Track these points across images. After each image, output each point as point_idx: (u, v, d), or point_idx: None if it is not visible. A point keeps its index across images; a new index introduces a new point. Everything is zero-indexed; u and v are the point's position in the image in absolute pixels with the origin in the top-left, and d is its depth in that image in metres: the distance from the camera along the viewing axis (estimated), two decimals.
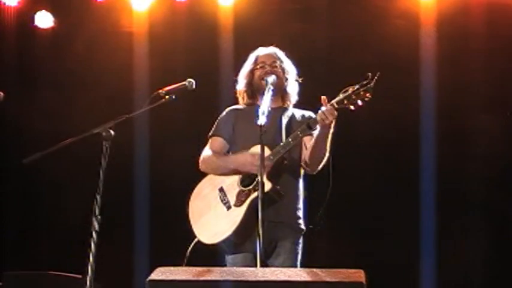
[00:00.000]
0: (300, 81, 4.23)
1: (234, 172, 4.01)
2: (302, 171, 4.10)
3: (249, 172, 3.92)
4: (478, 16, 5.63)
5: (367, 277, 3.02)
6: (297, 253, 4.01)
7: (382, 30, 5.81)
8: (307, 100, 4.26)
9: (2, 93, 3.87)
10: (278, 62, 4.17)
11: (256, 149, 3.70)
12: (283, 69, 4.17)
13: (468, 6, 5.67)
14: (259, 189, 3.55)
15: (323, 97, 3.83)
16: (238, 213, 3.91)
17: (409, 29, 5.73)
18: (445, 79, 5.60)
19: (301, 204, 4.07)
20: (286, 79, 4.18)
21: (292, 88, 4.20)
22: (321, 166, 4.00)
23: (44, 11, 6.17)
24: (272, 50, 4.23)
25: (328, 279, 2.98)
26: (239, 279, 3.01)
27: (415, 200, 5.55)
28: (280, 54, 4.22)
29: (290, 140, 3.91)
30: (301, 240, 4.05)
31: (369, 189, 5.72)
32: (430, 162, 5.57)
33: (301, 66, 4.31)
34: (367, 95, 3.78)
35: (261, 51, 4.23)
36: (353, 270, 3.05)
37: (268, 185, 3.82)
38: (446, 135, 5.64)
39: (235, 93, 4.28)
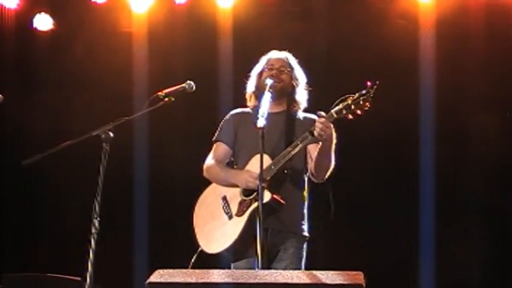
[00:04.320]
0: (310, 89, 4.22)
1: (235, 186, 4.02)
2: (306, 179, 4.10)
3: (247, 188, 3.93)
4: (476, 17, 5.63)
5: (366, 279, 3.02)
6: (301, 258, 4.01)
7: (381, 32, 5.81)
8: (307, 101, 4.26)
9: (1, 96, 3.87)
10: (287, 67, 4.15)
11: (256, 160, 3.70)
12: (291, 76, 4.15)
13: (467, 7, 5.68)
14: (259, 197, 3.56)
15: (319, 113, 3.82)
16: (239, 224, 3.91)
17: (408, 30, 5.74)
18: (444, 80, 5.61)
19: (304, 212, 4.07)
20: (295, 86, 4.15)
21: (301, 96, 4.18)
22: (328, 174, 4.00)
23: (43, 13, 6.17)
24: (284, 55, 4.22)
25: (327, 281, 2.98)
26: (239, 281, 3.01)
27: (414, 201, 5.56)
28: (292, 60, 4.20)
29: (290, 149, 3.91)
30: (305, 246, 4.04)
31: (368, 190, 5.72)
32: (430, 163, 5.58)
33: (301, 67, 4.30)
34: (367, 104, 3.77)
35: (274, 54, 4.22)
36: (352, 272, 3.05)
37: (267, 196, 3.83)
38: (446, 135, 5.65)
39: (244, 95, 4.27)
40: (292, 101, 4.16)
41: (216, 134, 4.21)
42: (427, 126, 5.61)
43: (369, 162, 5.79)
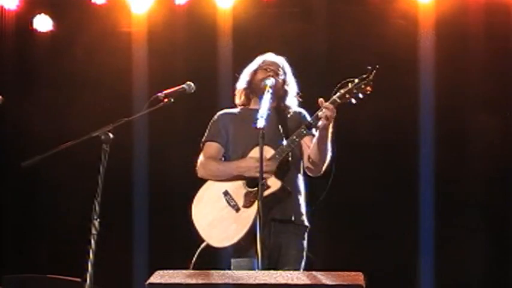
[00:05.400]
0: (299, 99, 4.23)
1: (237, 178, 4.00)
2: (302, 168, 4.11)
3: (253, 177, 3.90)
4: (476, 17, 5.64)
5: (366, 279, 3.03)
6: (302, 256, 4.00)
7: (381, 32, 5.81)
8: (306, 102, 4.27)
9: (1, 97, 3.88)
10: (282, 72, 4.17)
11: (256, 151, 3.69)
12: (284, 81, 4.17)
13: (466, 8, 5.68)
14: (259, 191, 3.56)
15: (320, 99, 3.83)
16: (249, 215, 3.89)
17: (408, 30, 5.74)
18: (443, 80, 5.61)
19: (303, 200, 4.08)
20: (286, 92, 4.18)
21: (291, 102, 4.20)
22: (325, 167, 4.02)
23: (42, 15, 6.17)
24: (281, 60, 4.24)
25: (327, 282, 2.98)
26: (239, 282, 3.01)
27: (414, 201, 5.56)
28: (287, 67, 4.22)
29: (295, 137, 3.92)
30: (305, 237, 4.03)
31: (367, 191, 5.72)
32: (429, 163, 5.58)
33: (301, 68, 4.31)
34: (368, 88, 3.81)
35: (270, 56, 4.23)
36: (352, 273, 3.05)
37: (277, 184, 3.86)
38: (445, 136, 5.65)
39: (234, 90, 4.27)
40: (282, 105, 4.17)
41: (205, 135, 4.20)
42: (427, 126, 5.61)
43: (369, 163, 5.79)
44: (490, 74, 5.68)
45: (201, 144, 4.21)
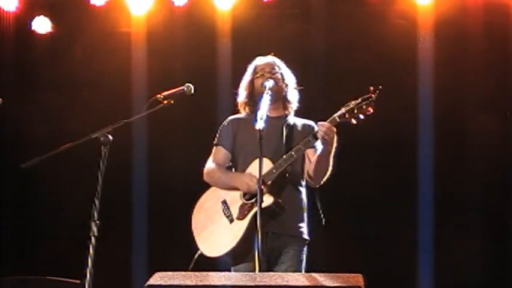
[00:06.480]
0: (299, 89, 4.23)
1: (236, 189, 4.02)
2: (304, 183, 4.11)
3: (248, 191, 3.93)
4: (475, 18, 5.64)
5: (365, 281, 3.03)
6: (301, 260, 4.02)
7: (380, 32, 5.81)
8: (306, 103, 4.27)
9: (0, 99, 3.88)
10: (277, 69, 4.17)
11: (256, 164, 3.68)
12: (282, 77, 4.17)
13: (465, 8, 5.68)
14: (258, 199, 3.56)
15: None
16: (240, 227, 3.91)
17: (407, 30, 5.74)
18: (443, 80, 5.61)
19: (304, 216, 4.08)
20: (286, 85, 4.18)
21: (293, 95, 4.21)
22: (324, 180, 4.03)
23: (41, 16, 6.17)
24: (270, 58, 4.24)
25: (326, 283, 2.98)
26: (238, 284, 3.01)
27: (413, 202, 5.56)
28: (279, 62, 4.23)
29: (293, 153, 3.93)
30: (305, 249, 4.05)
31: (367, 192, 5.72)
32: (429, 164, 5.58)
33: (300, 69, 4.31)
34: (369, 109, 3.80)
35: (259, 60, 4.24)
36: (352, 275, 3.05)
37: (269, 200, 3.86)
38: (445, 136, 5.65)
39: (236, 105, 4.28)
40: (285, 102, 4.17)
41: (215, 139, 4.22)
42: (426, 127, 5.61)
43: (368, 164, 5.78)
44: (489, 74, 5.68)
45: (212, 147, 4.22)
